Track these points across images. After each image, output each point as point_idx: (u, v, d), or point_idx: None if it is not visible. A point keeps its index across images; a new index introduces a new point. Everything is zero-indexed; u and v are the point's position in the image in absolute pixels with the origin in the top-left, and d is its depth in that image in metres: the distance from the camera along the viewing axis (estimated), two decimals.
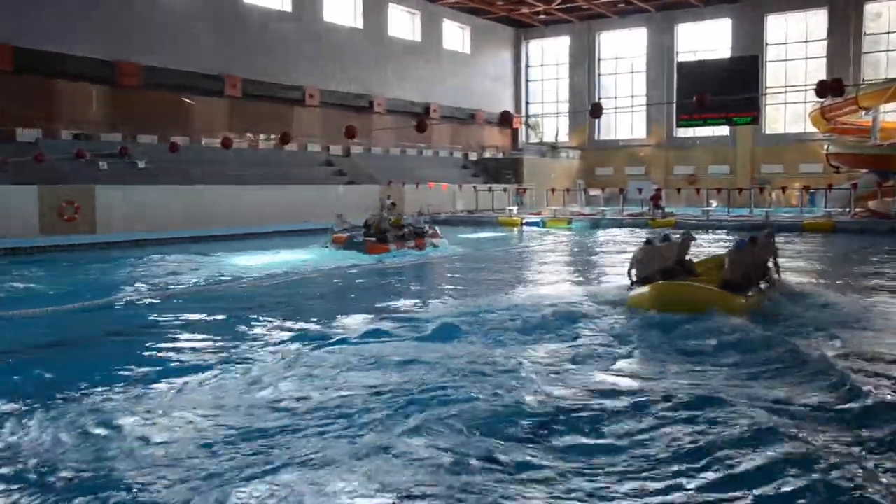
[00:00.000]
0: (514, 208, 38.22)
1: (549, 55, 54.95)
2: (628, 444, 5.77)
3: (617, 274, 14.49)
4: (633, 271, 11.36)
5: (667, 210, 35.21)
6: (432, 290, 14.86)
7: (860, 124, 36.76)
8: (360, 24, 42.51)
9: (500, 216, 35.53)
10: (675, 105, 45.00)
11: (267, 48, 37.07)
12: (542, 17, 50.50)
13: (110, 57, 30.84)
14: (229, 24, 35.39)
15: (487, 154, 50.65)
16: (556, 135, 53.34)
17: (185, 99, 34.02)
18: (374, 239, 20.21)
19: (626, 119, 51.83)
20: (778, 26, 46.95)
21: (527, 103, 55.92)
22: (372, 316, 11.20)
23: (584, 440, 5.90)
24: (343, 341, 9.25)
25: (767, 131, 47.38)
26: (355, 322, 10.79)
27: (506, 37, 53.65)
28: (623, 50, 52.08)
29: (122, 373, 8.00)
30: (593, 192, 43.31)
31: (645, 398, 6.63)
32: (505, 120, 14.24)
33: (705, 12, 47.64)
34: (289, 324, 10.87)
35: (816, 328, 9.70)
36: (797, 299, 11.40)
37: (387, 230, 20.68)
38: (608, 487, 5.08)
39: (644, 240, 12.10)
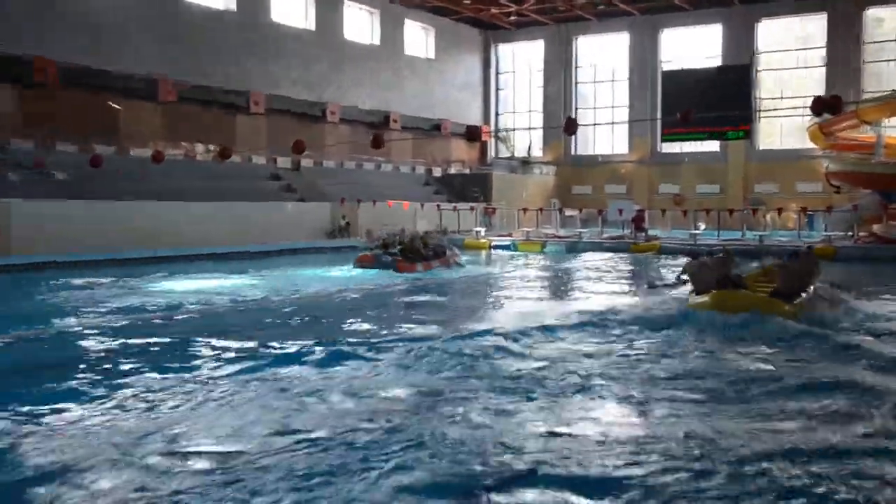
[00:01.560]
0: (482, 230, 37.72)
1: (522, 61, 54.84)
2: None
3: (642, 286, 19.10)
4: (689, 283, 14.41)
5: (650, 233, 34.98)
6: (489, 305, 16.89)
7: (862, 140, 36.84)
8: (311, 25, 42.04)
9: (467, 238, 35.03)
10: (659, 118, 45.03)
11: (207, 49, 36.43)
12: (513, 18, 50.35)
13: (24, 52, 29.86)
14: (165, 21, 34.67)
15: (453, 169, 50.23)
16: (529, 149, 53.10)
17: (111, 104, 33.22)
18: (401, 258, 22.22)
19: (605, 132, 51.77)
20: (772, 32, 47.23)
21: (496, 113, 55.72)
22: (435, 330, 12.57)
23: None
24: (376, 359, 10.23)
25: (761, 146, 47.48)
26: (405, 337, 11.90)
27: (473, 40, 53.47)
28: (603, 56, 52.09)
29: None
30: (569, 212, 42.93)
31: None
32: (471, 136, 14.03)
33: (693, 17, 47.78)
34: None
35: (854, 327, 12.57)
36: (837, 308, 13.86)
37: (417, 250, 22.76)
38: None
39: (694, 255, 15.49)
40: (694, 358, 10.33)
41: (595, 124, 50.66)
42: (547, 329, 12.04)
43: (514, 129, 54.52)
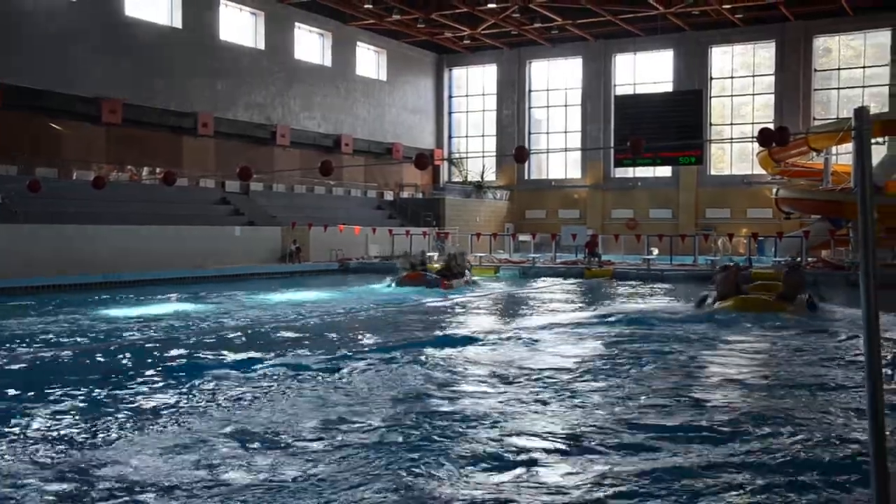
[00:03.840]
0: (435, 255, 37.85)
1: (475, 84, 55.32)
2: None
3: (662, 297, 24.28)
4: (715, 290, 18.65)
5: (603, 258, 35.35)
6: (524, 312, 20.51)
7: (811, 167, 37.72)
8: (261, 45, 42.00)
9: None
10: (612, 142, 45.57)
11: (153, 69, 36.17)
12: (466, 42, 50.80)
13: None
14: (109, 40, 34.38)
15: (405, 194, 50.41)
16: (482, 173, 53.42)
17: (53, 125, 32.83)
18: (441, 277, 25.47)
19: (559, 157, 52.33)
20: (723, 59, 48.28)
21: (450, 137, 56.04)
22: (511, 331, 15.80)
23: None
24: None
25: (712, 172, 48.41)
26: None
27: (426, 63, 53.83)
28: (556, 80, 52.79)
29: None
30: (523, 237, 43.30)
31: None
32: (420, 164, 14.32)
33: (646, 42, 48.64)
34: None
35: (834, 320, 16.73)
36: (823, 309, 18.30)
37: (451, 269, 26.10)
38: None
39: (720, 267, 20.76)
40: (727, 342, 14.19)
41: (548, 151, 51.27)
42: (614, 324, 16.35)
43: (466, 154, 54.81)
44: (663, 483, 6.36)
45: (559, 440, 7.56)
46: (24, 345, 13.90)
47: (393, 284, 25.47)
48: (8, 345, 13.80)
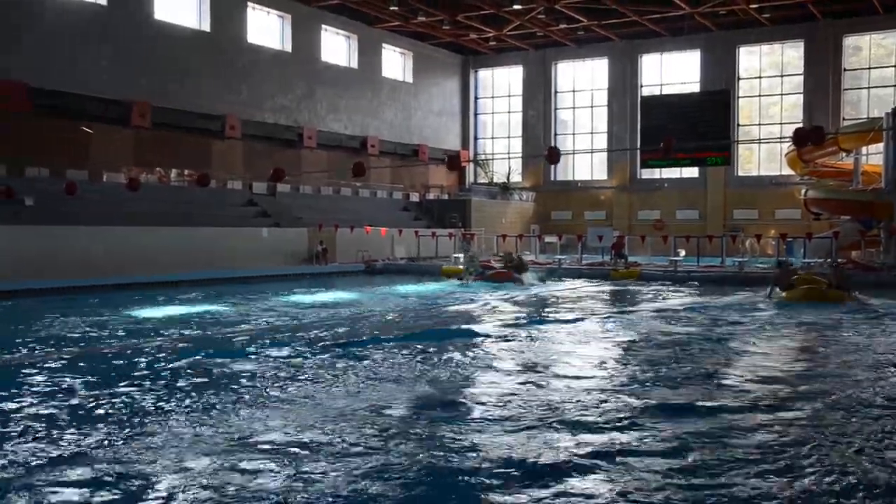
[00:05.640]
0: (460, 256, 37.86)
1: (501, 86, 55.30)
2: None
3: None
4: (776, 283, 21.62)
5: (630, 259, 35.22)
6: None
7: (840, 167, 37.42)
8: (288, 48, 42.23)
9: (445, 265, 35.10)
10: (639, 143, 45.43)
11: (181, 72, 36.46)
12: (492, 43, 50.83)
13: None
14: (137, 43, 34.68)
15: (431, 195, 50.48)
16: (508, 174, 53.37)
17: (84, 128, 33.18)
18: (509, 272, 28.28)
19: (585, 158, 52.21)
20: (751, 59, 47.98)
21: (475, 138, 56.06)
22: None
23: None
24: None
25: (740, 173, 48.10)
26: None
27: (452, 65, 53.89)
28: (582, 81, 52.69)
29: None
30: (549, 238, 43.25)
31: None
32: (452, 165, 14.67)
33: (672, 43, 48.41)
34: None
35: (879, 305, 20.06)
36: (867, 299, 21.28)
37: (521, 267, 28.75)
38: None
39: (778, 262, 25.20)
40: (802, 323, 17.04)
41: (574, 152, 51.11)
42: (696, 310, 19.48)
43: (492, 155, 54.78)
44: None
45: (600, 440, 7.57)
46: (54, 345, 13.98)
47: (466, 282, 27.91)
48: (34, 345, 13.87)
